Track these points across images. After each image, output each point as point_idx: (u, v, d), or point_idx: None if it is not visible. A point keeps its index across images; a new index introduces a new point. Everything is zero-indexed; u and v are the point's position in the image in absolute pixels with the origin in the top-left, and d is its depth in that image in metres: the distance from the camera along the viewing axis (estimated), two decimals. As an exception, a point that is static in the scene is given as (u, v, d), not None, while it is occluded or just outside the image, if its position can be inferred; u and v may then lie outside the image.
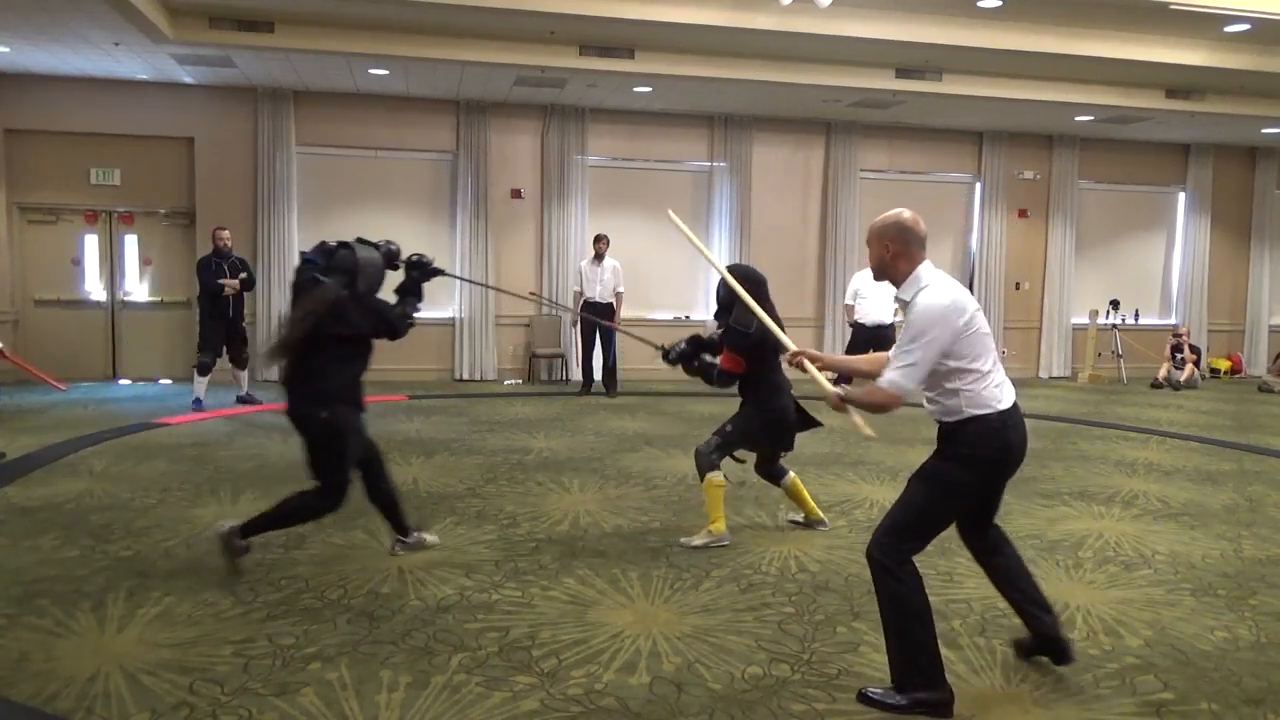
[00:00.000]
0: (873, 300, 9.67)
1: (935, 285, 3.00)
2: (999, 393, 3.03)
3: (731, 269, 4.68)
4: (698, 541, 4.75)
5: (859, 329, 9.83)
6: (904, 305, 3.06)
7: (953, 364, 2.97)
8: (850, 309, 10.02)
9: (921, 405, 3.21)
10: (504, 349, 11.69)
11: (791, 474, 5.15)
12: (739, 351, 4.69)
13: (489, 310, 11.48)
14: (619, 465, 6.68)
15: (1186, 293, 13.83)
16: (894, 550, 3.03)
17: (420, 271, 4.44)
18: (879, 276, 3.16)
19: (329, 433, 4.12)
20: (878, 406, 3.08)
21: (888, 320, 9.62)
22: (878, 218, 3.16)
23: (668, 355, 4.75)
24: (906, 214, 3.12)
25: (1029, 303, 13.36)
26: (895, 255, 3.06)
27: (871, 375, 3.21)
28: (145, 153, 10.80)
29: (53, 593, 3.90)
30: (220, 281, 8.87)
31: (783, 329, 4.07)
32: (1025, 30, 9.14)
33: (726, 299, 4.71)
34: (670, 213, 4.66)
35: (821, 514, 5.21)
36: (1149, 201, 13.89)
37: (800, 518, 5.23)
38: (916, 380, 2.95)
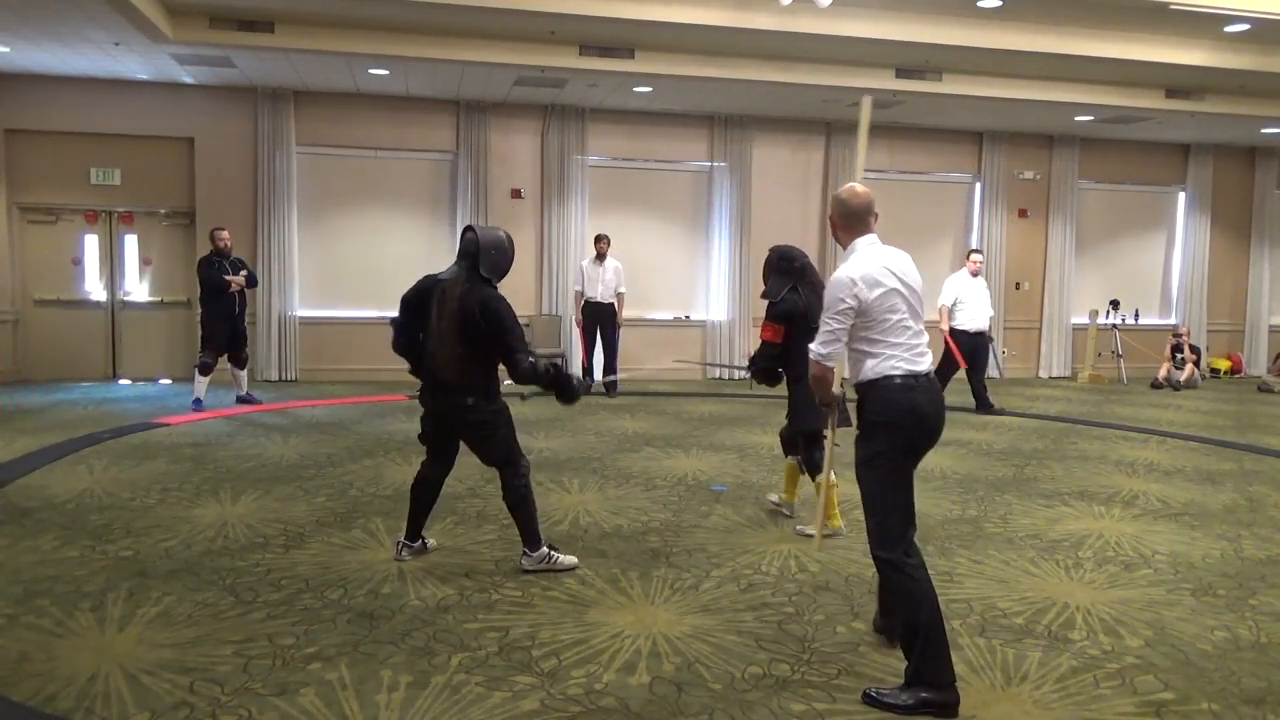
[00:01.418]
0: (972, 305, 9.41)
1: (854, 259, 3.26)
2: (911, 360, 3.18)
3: (773, 249, 5.18)
4: (811, 530, 4.80)
5: (960, 335, 9.45)
6: None
7: (863, 332, 3.19)
8: (946, 312, 9.59)
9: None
10: (504, 349, 11.66)
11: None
12: (772, 319, 4.95)
13: (489, 310, 11.47)
14: (619, 465, 6.68)
15: (1186, 293, 13.83)
16: (887, 541, 3.13)
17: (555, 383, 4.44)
18: (839, 241, 3.43)
19: (504, 419, 4.35)
20: (812, 379, 3.38)
21: (986, 325, 9.50)
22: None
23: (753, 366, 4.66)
24: (844, 189, 3.39)
25: (1029, 303, 13.36)
26: (836, 226, 3.38)
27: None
28: (145, 153, 10.80)
29: (53, 593, 3.90)
30: (226, 278, 8.87)
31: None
32: (1025, 30, 9.14)
33: (766, 275, 5.14)
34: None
35: (796, 504, 5.33)
36: (1149, 201, 13.89)
37: (777, 498, 5.44)
38: (831, 346, 3.22)
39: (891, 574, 3.12)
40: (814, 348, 3.25)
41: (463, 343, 4.17)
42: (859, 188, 3.36)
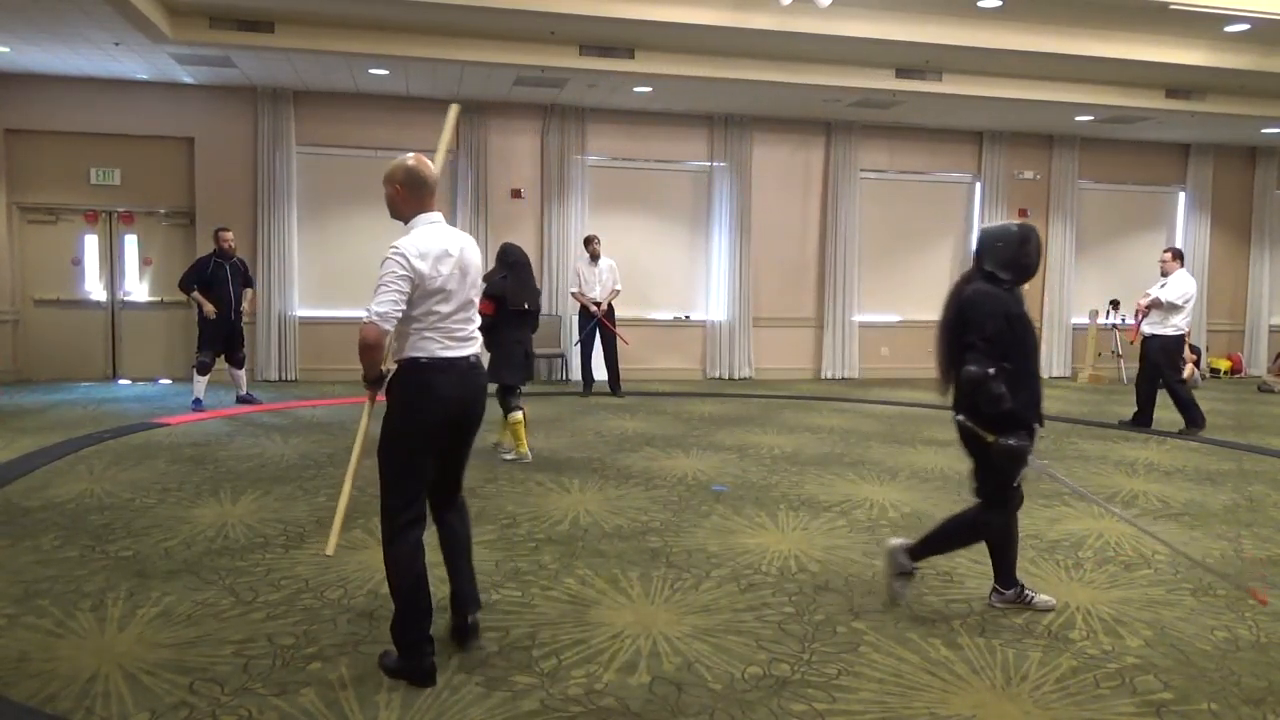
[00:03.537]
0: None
1: (413, 234, 3.20)
2: (446, 344, 3.21)
3: (504, 249, 6.71)
4: (509, 456, 6.64)
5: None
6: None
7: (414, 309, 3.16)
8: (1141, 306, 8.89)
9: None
10: (504, 349, 11.67)
11: (519, 413, 6.63)
12: (485, 297, 6.23)
13: (489, 310, 11.47)
14: (619, 465, 6.68)
15: (1186, 293, 13.83)
16: (389, 521, 3.21)
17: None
18: (394, 216, 3.32)
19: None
20: (363, 348, 3.17)
21: (1152, 328, 8.64)
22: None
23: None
24: (413, 158, 3.26)
25: (1029, 303, 13.29)
26: (400, 199, 3.26)
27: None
28: (145, 153, 10.80)
29: (53, 593, 3.90)
30: (195, 296, 8.88)
31: (537, 300, 6.71)
32: (1025, 30, 9.14)
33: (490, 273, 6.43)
34: None
35: (528, 450, 6.65)
36: (1149, 201, 13.89)
37: (511, 455, 6.67)
38: (384, 308, 3.08)
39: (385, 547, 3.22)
40: (371, 308, 3.10)
41: (947, 346, 3.79)
42: (428, 160, 3.29)
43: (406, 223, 3.26)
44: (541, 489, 5.92)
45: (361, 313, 3.20)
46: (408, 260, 3.11)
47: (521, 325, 6.62)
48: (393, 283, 3.09)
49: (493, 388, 5.97)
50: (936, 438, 8.05)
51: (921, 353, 13.09)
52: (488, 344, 6.69)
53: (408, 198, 3.24)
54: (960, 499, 5.85)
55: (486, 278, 6.56)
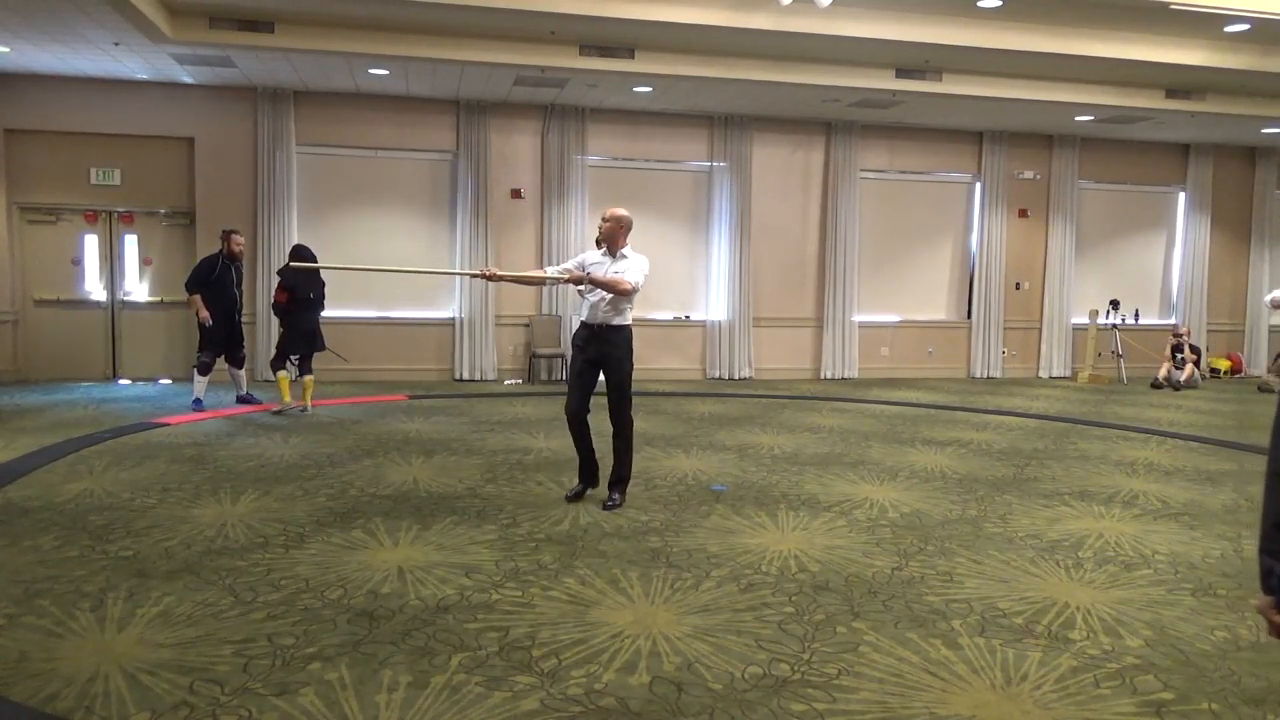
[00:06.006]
0: None
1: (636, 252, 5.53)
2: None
3: (295, 248, 8.61)
4: (277, 407, 8.55)
5: None
6: (618, 259, 5.42)
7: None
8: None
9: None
10: (504, 349, 11.69)
11: (309, 376, 8.68)
12: (280, 288, 8.42)
13: (489, 310, 11.48)
14: (619, 465, 6.66)
15: (1186, 293, 13.84)
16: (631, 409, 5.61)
17: None
18: (609, 241, 5.43)
19: None
20: (622, 290, 5.29)
21: None
22: (620, 212, 5.45)
23: None
24: (624, 211, 5.46)
25: (1029, 303, 13.36)
26: (625, 234, 5.44)
27: (537, 280, 6.44)
28: (145, 153, 10.80)
29: (53, 593, 3.90)
30: (202, 308, 8.77)
31: (321, 290, 8.69)
32: (1025, 30, 9.14)
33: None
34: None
35: (291, 400, 8.60)
36: (1149, 201, 13.89)
37: (280, 406, 8.57)
38: (640, 285, 5.38)
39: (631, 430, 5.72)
40: (639, 281, 5.36)
41: None
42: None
43: (620, 249, 5.41)
44: (541, 489, 5.92)
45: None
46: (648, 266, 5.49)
47: (308, 309, 8.50)
48: (644, 274, 5.40)
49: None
50: (936, 438, 8.05)
51: (921, 353, 13.10)
52: (283, 324, 8.54)
53: (626, 235, 5.43)
54: (959, 499, 5.85)
55: (280, 273, 8.51)
